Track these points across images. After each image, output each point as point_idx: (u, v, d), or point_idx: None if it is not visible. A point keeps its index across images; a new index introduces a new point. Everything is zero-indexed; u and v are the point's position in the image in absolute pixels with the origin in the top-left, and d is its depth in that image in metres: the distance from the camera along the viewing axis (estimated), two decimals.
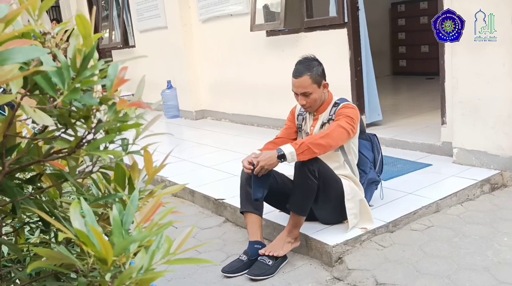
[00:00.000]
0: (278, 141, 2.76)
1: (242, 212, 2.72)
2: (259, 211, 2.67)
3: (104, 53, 9.23)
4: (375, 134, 2.94)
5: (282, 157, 2.43)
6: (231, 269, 2.55)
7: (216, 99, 6.57)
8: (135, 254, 0.78)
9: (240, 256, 2.61)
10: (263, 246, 2.60)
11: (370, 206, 2.87)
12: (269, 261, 2.51)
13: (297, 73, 2.57)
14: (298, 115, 2.81)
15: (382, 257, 2.47)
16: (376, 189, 2.92)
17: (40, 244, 1.19)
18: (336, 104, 2.66)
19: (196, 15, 6.48)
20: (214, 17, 6.15)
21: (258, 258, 2.54)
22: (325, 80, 2.63)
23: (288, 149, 2.43)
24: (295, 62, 2.65)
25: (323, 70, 2.62)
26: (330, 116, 2.63)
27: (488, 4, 3.18)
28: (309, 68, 2.56)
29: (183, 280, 2.56)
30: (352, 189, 2.59)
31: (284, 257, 2.59)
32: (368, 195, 2.85)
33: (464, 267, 2.32)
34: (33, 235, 1.35)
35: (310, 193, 2.49)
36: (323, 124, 2.67)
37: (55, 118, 0.81)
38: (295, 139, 2.81)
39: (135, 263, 0.72)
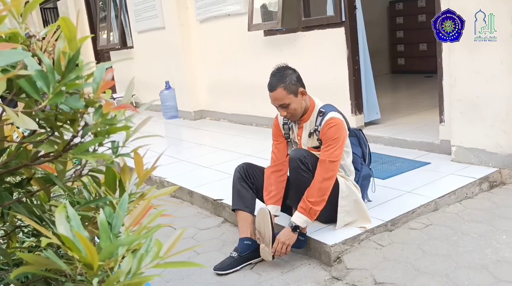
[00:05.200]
0: (279, 165, 2.72)
1: (233, 210, 2.76)
2: (249, 209, 2.71)
3: (103, 54, 9.22)
4: (360, 129, 2.94)
5: (296, 228, 2.47)
6: (223, 267, 2.57)
7: (215, 99, 6.56)
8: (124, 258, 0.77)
9: (231, 253, 2.63)
10: (254, 242, 2.62)
11: (369, 201, 2.87)
12: (302, 237, 2.53)
13: (271, 87, 2.53)
14: (283, 125, 2.76)
15: (380, 256, 2.47)
16: (370, 182, 2.92)
17: (34, 248, 1.19)
18: (321, 113, 2.58)
19: (193, 15, 6.47)
20: (212, 17, 6.14)
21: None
22: (303, 87, 2.57)
23: (299, 219, 2.46)
24: (270, 73, 2.58)
25: (298, 77, 2.56)
26: (316, 127, 2.57)
27: (488, 4, 3.17)
28: (282, 79, 2.50)
29: (182, 281, 2.55)
30: (348, 187, 2.59)
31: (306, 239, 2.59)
32: (365, 191, 2.85)
33: (463, 266, 2.31)
34: (29, 238, 1.35)
35: (306, 186, 2.49)
36: (310, 134, 2.63)
37: (43, 122, 0.80)
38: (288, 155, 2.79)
39: (121, 267, 0.71)
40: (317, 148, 2.63)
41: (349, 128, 2.64)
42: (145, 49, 7.68)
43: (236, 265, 2.57)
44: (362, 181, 2.79)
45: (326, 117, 2.55)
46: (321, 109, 2.60)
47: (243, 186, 2.72)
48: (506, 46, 3.14)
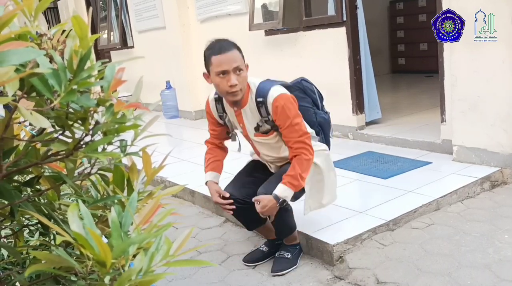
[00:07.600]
0: (219, 139, 2.62)
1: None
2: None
3: (103, 54, 9.21)
4: (302, 78, 2.64)
5: (283, 202, 2.32)
6: (252, 259, 2.64)
7: None
8: (134, 256, 0.77)
9: (260, 246, 2.69)
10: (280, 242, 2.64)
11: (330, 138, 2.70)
12: (287, 254, 2.55)
13: (224, 49, 2.17)
14: (218, 116, 2.51)
15: (383, 256, 2.47)
16: (330, 126, 2.67)
17: (39, 247, 1.19)
18: (260, 103, 2.30)
19: (194, 15, 6.48)
20: (212, 17, 6.15)
21: (276, 255, 2.59)
22: None
23: (284, 192, 2.29)
24: (210, 44, 2.25)
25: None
26: (265, 117, 2.33)
27: (488, 3, 3.17)
28: (234, 43, 2.24)
29: (184, 280, 2.56)
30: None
31: (300, 249, 2.63)
32: (328, 130, 2.65)
33: (465, 265, 2.31)
34: (32, 237, 1.35)
35: (287, 218, 2.50)
36: (258, 127, 2.40)
37: (53, 120, 0.80)
38: (228, 135, 2.63)
39: (134, 265, 0.71)
40: (266, 132, 2.41)
41: (289, 86, 2.43)
42: (146, 49, 7.68)
43: (264, 258, 2.64)
44: (322, 128, 2.59)
45: (269, 105, 2.29)
46: (258, 100, 2.31)
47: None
48: (506, 46, 3.14)
